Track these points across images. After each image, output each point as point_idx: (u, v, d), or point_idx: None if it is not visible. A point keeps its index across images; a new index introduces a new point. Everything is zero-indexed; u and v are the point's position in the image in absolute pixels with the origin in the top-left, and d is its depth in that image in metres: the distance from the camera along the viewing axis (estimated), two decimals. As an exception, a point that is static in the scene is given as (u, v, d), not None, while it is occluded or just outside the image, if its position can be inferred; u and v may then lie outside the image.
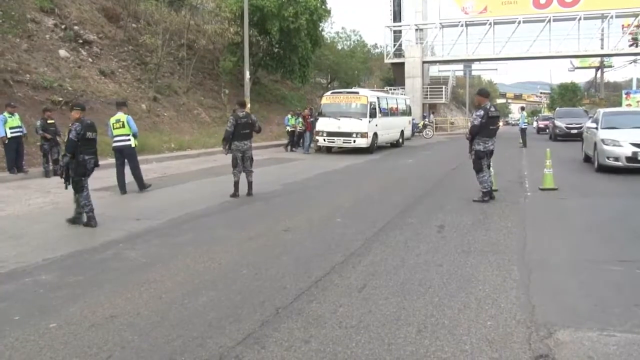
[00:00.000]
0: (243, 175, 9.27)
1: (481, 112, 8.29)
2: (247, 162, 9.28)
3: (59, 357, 3.19)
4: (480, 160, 8.38)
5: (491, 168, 8.69)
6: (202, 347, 3.28)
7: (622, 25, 37.37)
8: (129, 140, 9.83)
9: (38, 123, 12.07)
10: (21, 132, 11.92)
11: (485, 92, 8.83)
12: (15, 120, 11.75)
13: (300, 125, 19.80)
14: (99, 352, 3.24)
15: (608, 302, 3.98)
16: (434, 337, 3.39)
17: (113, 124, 9.79)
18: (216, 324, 3.63)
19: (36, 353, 3.25)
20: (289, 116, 20.64)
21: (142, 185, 9.95)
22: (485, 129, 8.30)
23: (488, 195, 8.38)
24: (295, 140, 20.11)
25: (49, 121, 12.13)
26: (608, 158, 11.36)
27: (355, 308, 3.91)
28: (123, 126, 9.73)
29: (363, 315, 3.76)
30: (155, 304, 4.05)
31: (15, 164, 11.83)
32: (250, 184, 9.24)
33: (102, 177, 11.72)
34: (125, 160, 9.89)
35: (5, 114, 11.58)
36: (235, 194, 9.05)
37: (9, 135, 11.54)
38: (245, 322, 3.67)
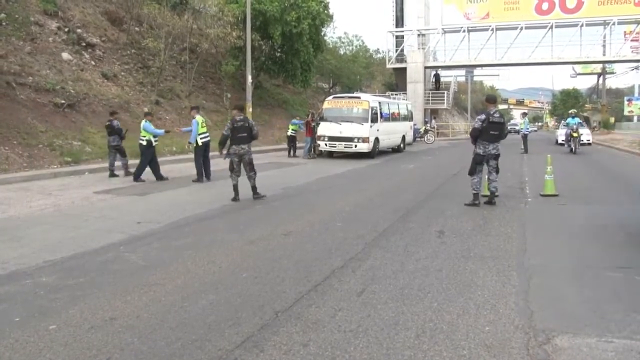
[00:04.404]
0: (243, 180, 9.27)
1: (483, 116, 8.45)
2: (246, 167, 9.20)
3: (58, 359, 3.20)
4: (476, 165, 8.53)
5: (497, 172, 8.74)
6: (201, 350, 3.29)
7: (624, 32, 37.52)
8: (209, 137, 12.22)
9: (115, 123, 12.71)
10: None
11: (491, 98, 9.09)
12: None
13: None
14: (98, 354, 3.25)
15: (607, 308, 3.99)
16: (432, 342, 3.40)
17: (201, 123, 11.91)
18: (215, 327, 3.65)
19: (36, 354, 3.26)
20: (297, 120, 20.57)
21: (209, 175, 12.05)
22: (485, 134, 8.40)
23: (477, 198, 8.57)
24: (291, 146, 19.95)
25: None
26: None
27: (354, 312, 3.92)
28: (206, 125, 12.13)
29: (362, 320, 3.77)
30: (155, 306, 4.06)
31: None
32: (253, 188, 9.26)
33: (103, 180, 11.79)
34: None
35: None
36: (235, 198, 9.07)
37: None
38: (244, 325, 3.68)
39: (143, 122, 12.08)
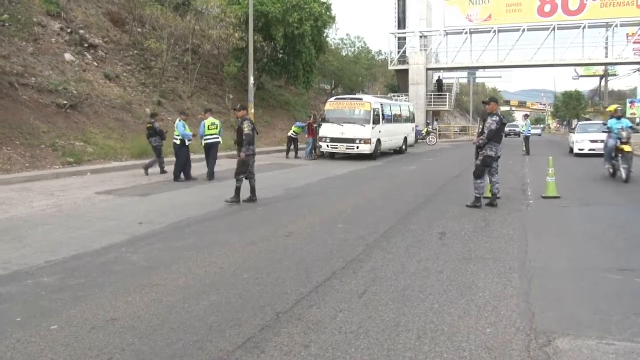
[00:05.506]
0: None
1: (497, 118, 8.53)
2: (252, 167, 9.22)
3: (60, 359, 3.21)
4: (485, 168, 8.52)
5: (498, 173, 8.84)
6: (202, 351, 3.30)
7: (627, 34, 37.49)
8: (219, 138, 12.54)
9: (157, 125, 13.23)
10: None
11: (496, 100, 9.17)
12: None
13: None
14: (99, 355, 3.26)
15: (608, 310, 3.98)
16: (433, 344, 3.40)
17: (209, 126, 12.28)
18: (217, 328, 3.65)
19: (37, 355, 3.27)
20: (301, 123, 20.64)
21: (212, 176, 12.25)
22: (497, 135, 8.48)
23: (480, 201, 8.58)
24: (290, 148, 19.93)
25: None
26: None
27: (355, 314, 3.92)
28: (216, 128, 12.40)
29: (363, 321, 3.78)
30: (156, 307, 4.07)
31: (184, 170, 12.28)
32: (254, 189, 9.24)
33: (105, 181, 11.80)
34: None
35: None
36: (237, 200, 9.04)
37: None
38: (245, 326, 3.68)
39: (177, 122, 12.41)
